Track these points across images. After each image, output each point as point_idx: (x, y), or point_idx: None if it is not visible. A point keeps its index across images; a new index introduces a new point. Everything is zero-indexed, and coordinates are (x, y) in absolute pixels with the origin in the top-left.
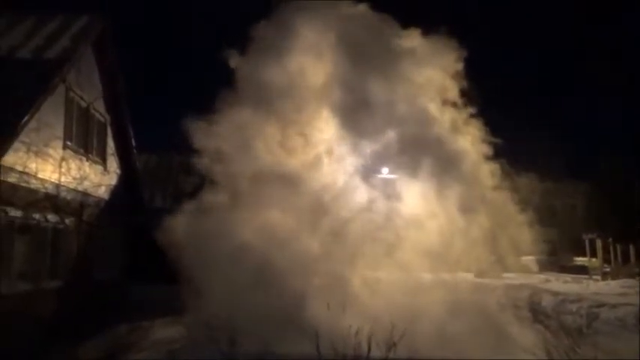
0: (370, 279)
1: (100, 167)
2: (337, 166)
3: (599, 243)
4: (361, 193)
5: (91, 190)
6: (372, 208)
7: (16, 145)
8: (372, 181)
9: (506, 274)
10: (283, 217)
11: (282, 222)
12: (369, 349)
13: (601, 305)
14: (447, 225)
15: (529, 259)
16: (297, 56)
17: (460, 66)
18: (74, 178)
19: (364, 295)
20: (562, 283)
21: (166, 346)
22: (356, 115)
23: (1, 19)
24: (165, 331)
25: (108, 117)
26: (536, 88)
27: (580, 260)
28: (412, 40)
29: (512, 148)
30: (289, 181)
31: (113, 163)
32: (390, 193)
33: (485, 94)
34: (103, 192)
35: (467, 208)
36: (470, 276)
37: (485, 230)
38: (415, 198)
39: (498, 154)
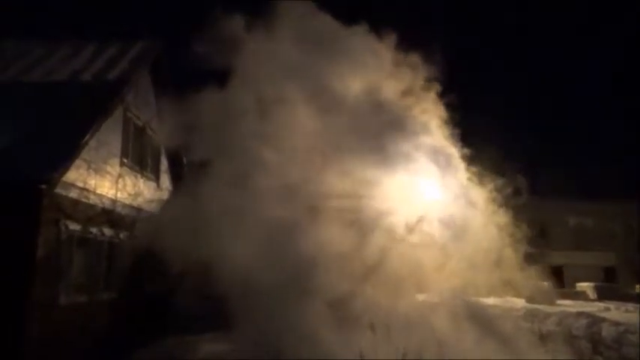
0: (415, 301)
1: (153, 184)
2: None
3: None
4: (406, 213)
5: (144, 206)
6: (417, 228)
7: (78, 162)
8: (415, 200)
9: (560, 301)
10: (329, 236)
11: (327, 241)
12: None
13: None
14: (494, 247)
15: (586, 286)
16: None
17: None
18: (129, 194)
19: (410, 317)
20: (623, 313)
21: None
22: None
23: (66, 46)
24: (211, 346)
25: (162, 136)
26: (593, 108)
27: None
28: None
29: (568, 171)
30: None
31: (166, 180)
32: (434, 213)
33: (546, 114)
34: (155, 208)
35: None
36: (521, 301)
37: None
38: (460, 219)
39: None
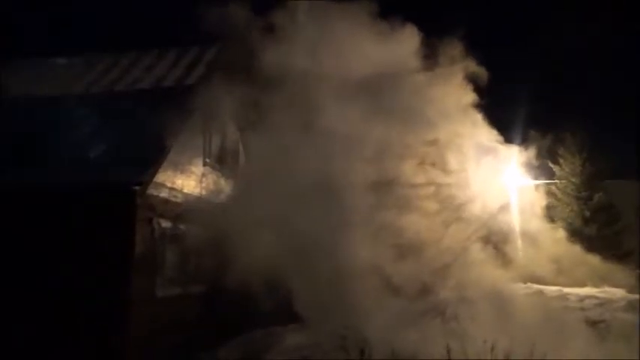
0: (500, 291)
1: (233, 181)
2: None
3: None
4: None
5: (226, 203)
6: (500, 216)
7: (165, 164)
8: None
9: None
10: (409, 226)
11: (408, 231)
12: None
13: None
14: (587, 233)
15: None
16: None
17: None
18: (212, 192)
19: (495, 308)
20: None
21: (298, 352)
22: None
23: (149, 56)
24: (296, 337)
25: (239, 134)
26: None
27: None
28: None
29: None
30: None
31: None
32: (519, 201)
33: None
34: (236, 204)
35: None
36: (621, 291)
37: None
38: (546, 206)
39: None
